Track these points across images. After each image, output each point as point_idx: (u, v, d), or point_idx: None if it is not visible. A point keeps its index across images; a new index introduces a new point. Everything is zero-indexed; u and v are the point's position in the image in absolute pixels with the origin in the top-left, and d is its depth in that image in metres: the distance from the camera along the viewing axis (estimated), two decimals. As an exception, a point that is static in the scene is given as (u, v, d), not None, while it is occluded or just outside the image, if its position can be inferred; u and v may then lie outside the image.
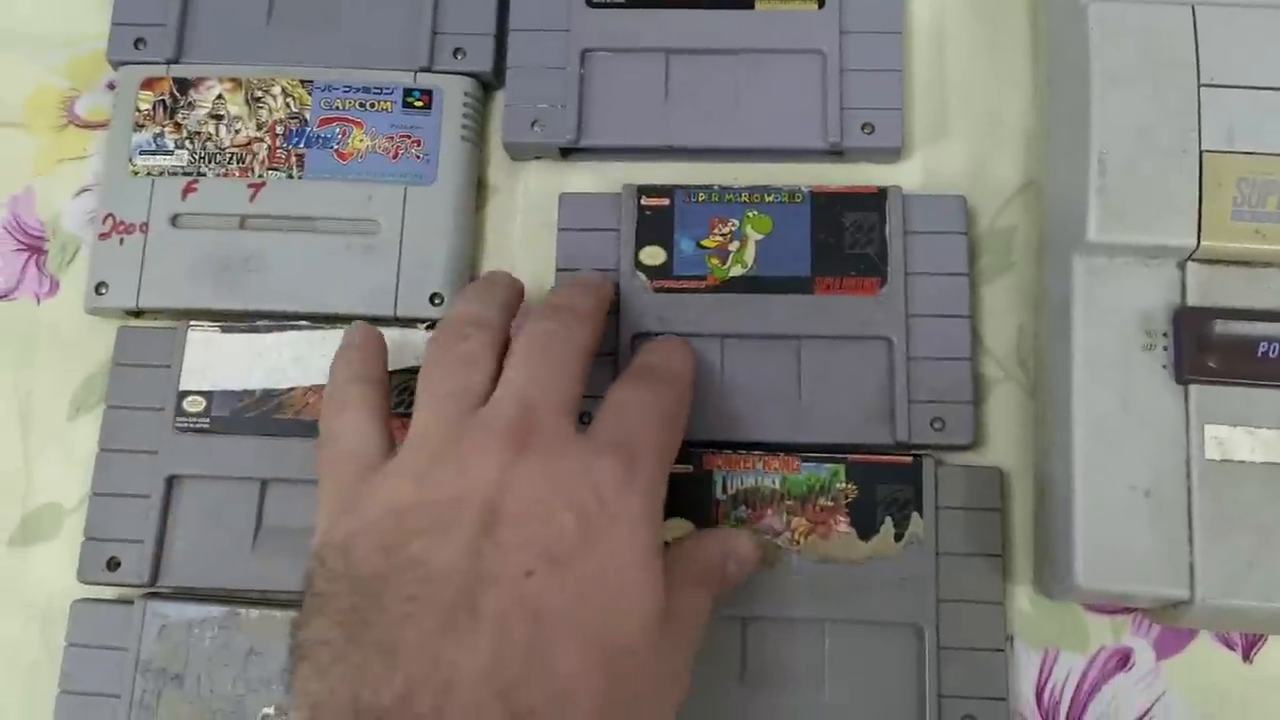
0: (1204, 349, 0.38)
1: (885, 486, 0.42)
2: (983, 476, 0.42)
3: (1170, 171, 0.38)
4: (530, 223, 0.47)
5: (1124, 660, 0.42)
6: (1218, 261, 0.38)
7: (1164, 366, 0.38)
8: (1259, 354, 0.38)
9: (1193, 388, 0.38)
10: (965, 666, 0.40)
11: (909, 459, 0.42)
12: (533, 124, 0.46)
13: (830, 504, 0.42)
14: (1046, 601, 0.42)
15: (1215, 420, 0.38)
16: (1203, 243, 0.38)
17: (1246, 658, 0.42)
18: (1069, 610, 0.42)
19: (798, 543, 0.41)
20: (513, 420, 0.34)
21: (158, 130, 0.46)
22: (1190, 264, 0.39)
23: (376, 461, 0.35)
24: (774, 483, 0.42)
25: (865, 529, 0.41)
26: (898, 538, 0.41)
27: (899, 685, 0.40)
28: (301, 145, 0.45)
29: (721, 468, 0.42)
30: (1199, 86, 0.39)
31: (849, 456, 0.42)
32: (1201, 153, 0.38)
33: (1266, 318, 0.38)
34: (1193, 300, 0.38)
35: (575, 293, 0.40)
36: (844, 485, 0.42)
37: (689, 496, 0.42)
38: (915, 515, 0.41)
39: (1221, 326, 0.38)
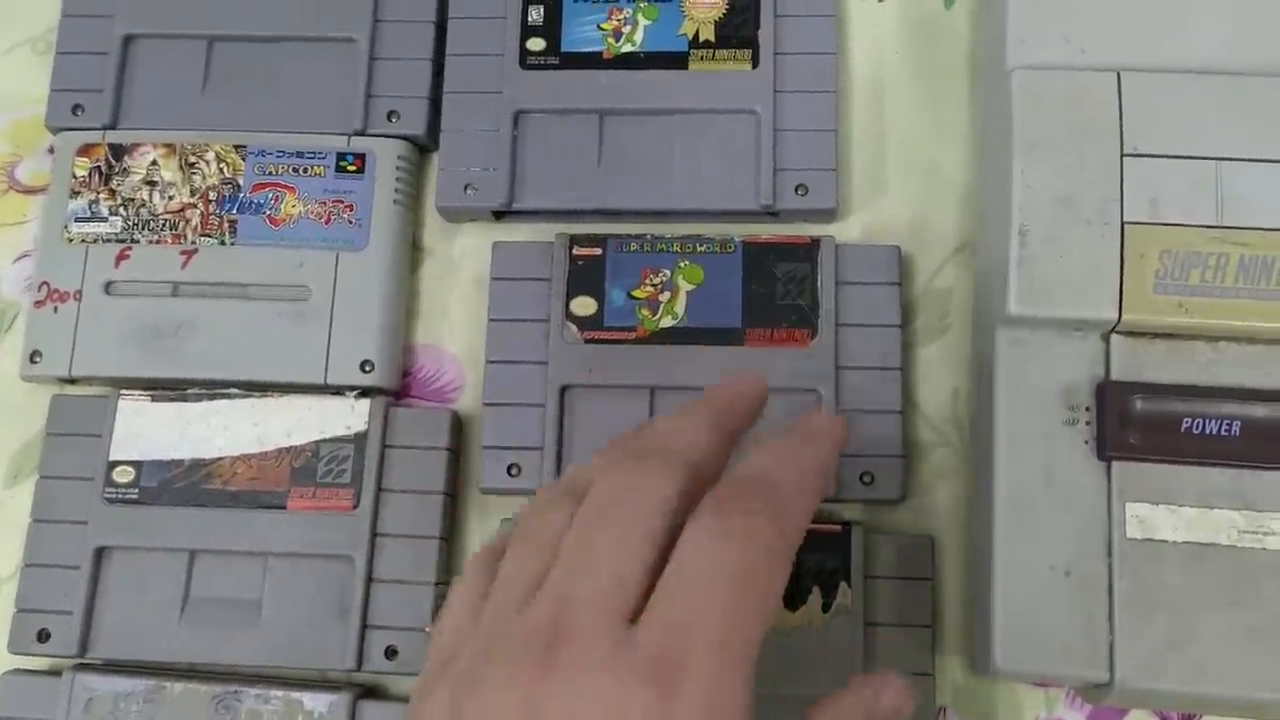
0: (1126, 425, 0.37)
1: (813, 555, 0.41)
2: (913, 545, 0.42)
3: (1092, 243, 0.37)
4: (464, 285, 0.47)
5: (1057, 732, 0.41)
6: (1141, 334, 0.38)
7: (1086, 442, 0.38)
8: (1182, 430, 0.37)
9: (1115, 464, 0.37)
10: (893, 740, 0.40)
11: (838, 528, 0.42)
12: (466, 187, 0.46)
13: (758, 574, 0.41)
14: (979, 672, 0.42)
15: (1137, 498, 0.37)
16: (1124, 316, 0.37)
17: (1182, 730, 0.41)
18: (1002, 682, 0.42)
19: (725, 614, 0.41)
20: (543, 632, 0.27)
21: (93, 197, 0.46)
22: (1114, 337, 0.38)
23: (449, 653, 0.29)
24: (702, 552, 0.42)
25: (792, 599, 0.41)
26: (825, 608, 0.41)
27: (825, 759, 0.40)
28: (234, 211, 0.45)
29: (649, 537, 0.42)
30: (1122, 155, 0.38)
31: (778, 525, 0.42)
32: (1124, 224, 0.38)
33: (1190, 394, 0.37)
34: (1116, 374, 0.38)
35: (687, 418, 0.31)
36: (772, 555, 0.41)
37: (616, 566, 0.41)
38: (844, 585, 0.41)
39: (1144, 402, 0.37)
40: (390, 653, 0.41)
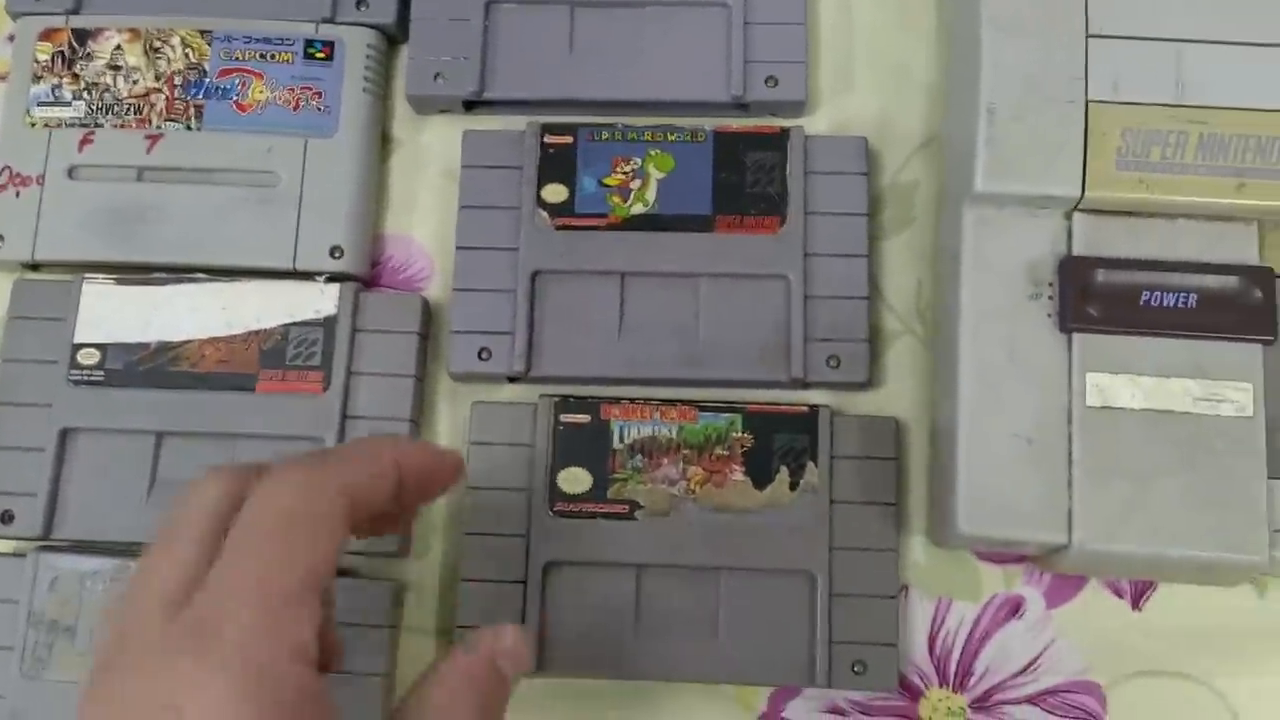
0: (1087, 298, 0.38)
1: (781, 436, 0.42)
2: (878, 426, 0.42)
3: (1056, 122, 0.38)
4: (433, 177, 0.47)
5: (1015, 609, 0.42)
6: (1103, 212, 0.39)
7: (1049, 315, 0.39)
8: (1142, 303, 0.38)
9: (1076, 336, 0.38)
10: (857, 613, 0.41)
11: (805, 409, 0.42)
12: (436, 76, 0.45)
13: (726, 453, 0.42)
14: (941, 552, 0.42)
15: (1097, 368, 0.38)
16: (1087, 193, 0.38)
17: (1136, 606, 0.42)
18: (962, 560, 0.43)
19: (693, 491, 0.42)
20: (100, 638, 0.27)
21: (55, 81, 0.45)
22: (1076, 214, 0.39)
23: None
24: (671, 432, 0.42)
25: (760, 478, 0.42)
26: (793, 486, 0.42)
27: (792, 631, 0.41)
28: (200, 96, 0.45)
29: (618, 417, 0.42)
30: (1087, 37, 0.39)
31: (746, 405, 0.42)
32: (1087, 103, 0.38)
33: (1149, 267, 0.38)
34: (1078, 250, 0.39)
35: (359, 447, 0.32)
36: (740, 434, 0.42)
37: (587, 447, 0.42)
38: (810, 464, 0.42)
39: (1105, 275, 0.38)
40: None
